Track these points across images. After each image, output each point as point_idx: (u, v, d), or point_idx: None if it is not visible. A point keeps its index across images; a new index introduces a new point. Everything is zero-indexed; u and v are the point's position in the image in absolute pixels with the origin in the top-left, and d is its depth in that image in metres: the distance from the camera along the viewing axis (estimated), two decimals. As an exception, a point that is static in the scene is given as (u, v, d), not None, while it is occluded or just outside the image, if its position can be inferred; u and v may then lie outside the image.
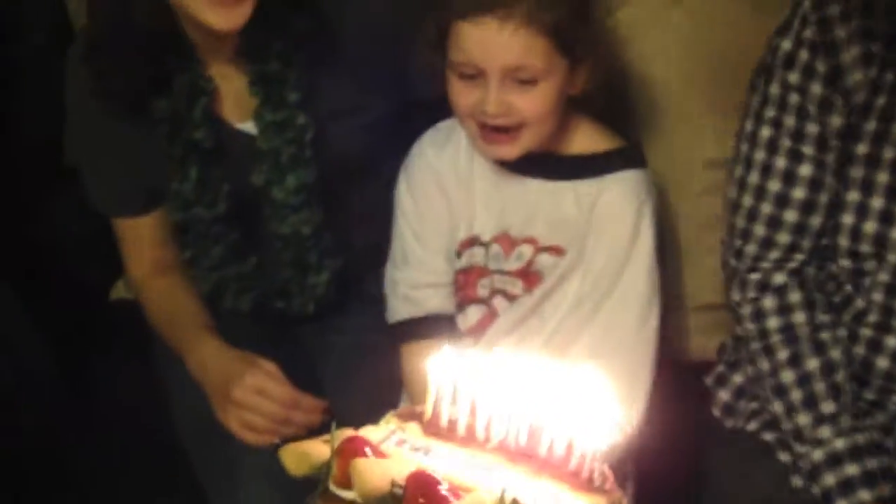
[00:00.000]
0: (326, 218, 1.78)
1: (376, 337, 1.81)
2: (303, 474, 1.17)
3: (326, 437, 1.18)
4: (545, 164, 1.70)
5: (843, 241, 1.53)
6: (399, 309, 1.79)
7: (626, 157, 1.72)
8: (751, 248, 1.58)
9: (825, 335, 1.53)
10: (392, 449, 1.21)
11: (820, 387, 1.51)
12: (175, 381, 1.80)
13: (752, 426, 1.64)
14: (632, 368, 1.65)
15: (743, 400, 1.67)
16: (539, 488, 1.17)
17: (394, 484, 1.11)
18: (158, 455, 1.87)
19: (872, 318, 1.52)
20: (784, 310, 1.56)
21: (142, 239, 1.86)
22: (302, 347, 1.91)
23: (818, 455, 1.49)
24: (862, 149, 1.48)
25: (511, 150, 1.65)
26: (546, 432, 1.21)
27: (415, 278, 1.77)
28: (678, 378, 1.78)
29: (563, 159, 1.72)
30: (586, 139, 1.73)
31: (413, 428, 1.25)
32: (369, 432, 1.24)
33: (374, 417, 1.59)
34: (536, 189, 1.72)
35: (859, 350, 1.54)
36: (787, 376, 1.54)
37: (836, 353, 1.53)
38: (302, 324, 1.90)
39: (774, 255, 1.57)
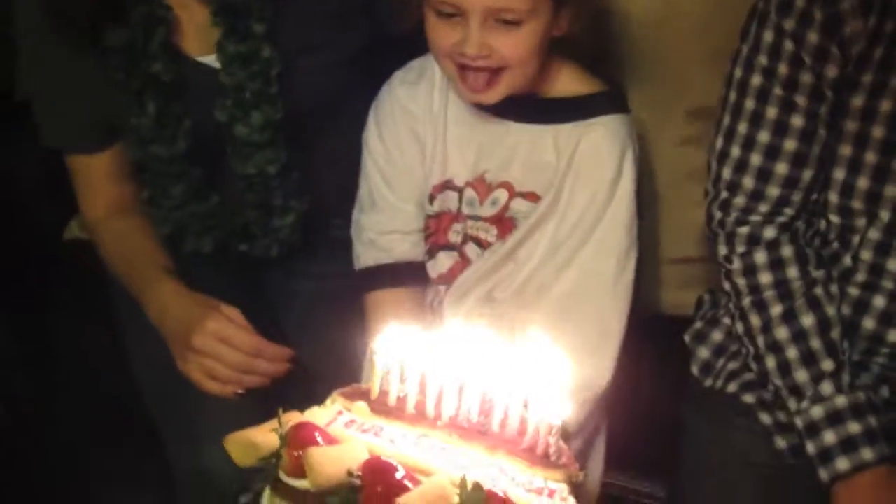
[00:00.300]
0: (292, 158, 1.70)
1: (343, 284, 1.76)
2: (251, 465, 1.13)
3: (273, 424, 1.14)
4: (525, 106, 1.63)
5: (834, 197, 1.48)
6: (365, 255, 1.73)
7: (609, 100, 1.65)
8: (739, 201, 1.53)
9: (819, 291, 1.49)
10: (341, 431, 1.18)
11: (816, 343, 1.48)
12: (133, 331, 1.74)
13: (732, 387, 1.60)
14: (605, 319, 1.61)
15: (722, 358, 1.64)
16: (494, 467, 1.15)
17: (350, 473, 1.07)
18: (116, 407, 1.80)
19: (860, 277, 1.48)
20: (776, 264, 1.51)
21: (98, 177, 1.76)
22: (265, 294, 1.86)
23: (818, 412, 1.45)
24: (857, 101, 1.42)
25: (491, 94, 1.57)
26: (498, 408, 1.18)
27: (382, 223, 1.72)
28: (651, 332, 1.76)
29: (543, 102, 1.65)
30: (568, 82, 1.66)
31: (360, 407, 1.22)
32: (315, 415, 1.20)
33: (337, 367, 1.60)
34: (515, 132, 1.65)
35: (845, 310, 1.50)
36: (782, 333, 1.50)
37: (831, 311, 1.49)
38: (265, 269, 1.84)
39: (764, 208, 1.52)
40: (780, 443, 1.53)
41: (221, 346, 1.56)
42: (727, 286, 1.56)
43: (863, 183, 1.45)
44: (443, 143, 1.68)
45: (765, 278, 1.52)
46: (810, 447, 1.46)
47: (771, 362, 1.51)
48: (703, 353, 1.66)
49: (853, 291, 1.50)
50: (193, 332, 1.56)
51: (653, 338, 1.78)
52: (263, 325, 1.62)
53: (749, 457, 1.56)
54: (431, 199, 1.71)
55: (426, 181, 1.71)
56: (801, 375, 1.48)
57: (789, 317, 1.50)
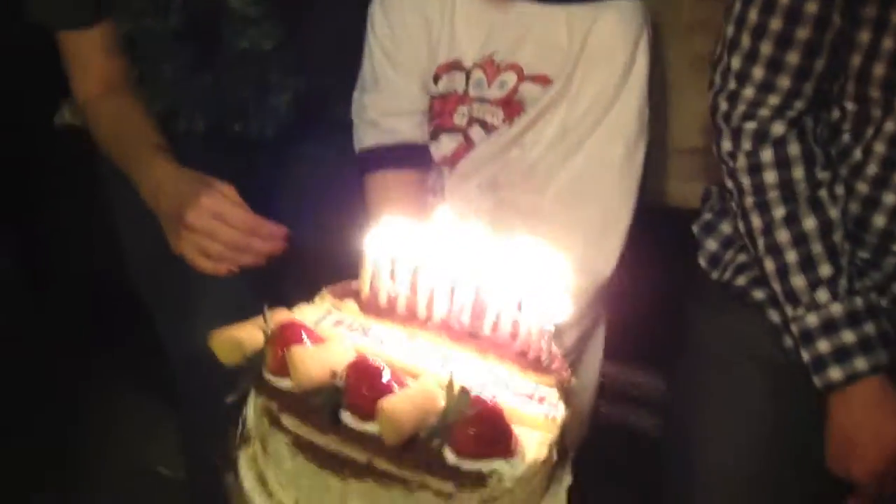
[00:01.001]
0: (289, 34, 1.65)
1: (341, 168, 1.72)
2: (236, 363, 1.10)
3: (260, 321, 1.10)
4: None
5: (849, 85, 1.41)
6: (366, 135, 1.69)
7: None
8: (748, 92, 1.46)
9: (823, 193, 1.44)
10: (329, 330, 1.15)
11: (817, 248, 1.44)
12: (124, 212, 1.70)
13: (741, 281, 1.56)
14: (612, 206, 1.59)
15: (731, 251, 1.59)
16: (484, 370, 1.12)
17: (334, 374, 1.05)
18: (109, 287, 1.79)
19: (871, 171, 1.43)
20: (783, 163, 1.46)
21: (89, 54, 1.71)
22: (260, 176, 1.80)
23: (812, 319, 1.43)
24: None
25: None
26: (491, 310, 1.15)
27: (385, 104, 1.67)
28: (656, 224, 1.71)
29: None
30: None
31: (350, 306, 1.19)
32: (304, 313, 1.17)
33: (331, 254, 1.50)
34: (526, 12, 1.60)
35: (854, 207, 1.46)
36: (783, 235, 1.45)
37: (834, 213, 1.44)
38: (260, 150, 1.79)
39: (773, 100, 1.45)
40: (789, 341, 1.49)
41: (216, 222, 1.52)
42: (729, 184, 1.51)
43: (880, 70, 1.38)
44: (450, 21, 1.63)
45: (770, 177, 1.47)
46: (805, 355, 1.44)
47: (770, 265, 1.47)
48: (712, 244, 1.62)
49: (862, 188, 1.45)
50: (187, 208, 1.52)
51: (657, 230, 1.73)
52: (257, 208, 1.57)
53: (756, 351, 1.52)
54: (437, 79, 1.66)
55: (432, 61, 1.66)
56: (798, 281, 1.44)
57: (791, 219, 1.45)
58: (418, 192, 1.67)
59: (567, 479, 1.12)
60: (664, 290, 1.75)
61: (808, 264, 1.44)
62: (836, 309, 1.42)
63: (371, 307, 1.18)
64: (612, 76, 1.57)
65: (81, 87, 1.75)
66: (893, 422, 1.39)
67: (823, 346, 1.42)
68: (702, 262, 1.62)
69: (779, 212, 1.46)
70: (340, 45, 1.70)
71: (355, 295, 1.19)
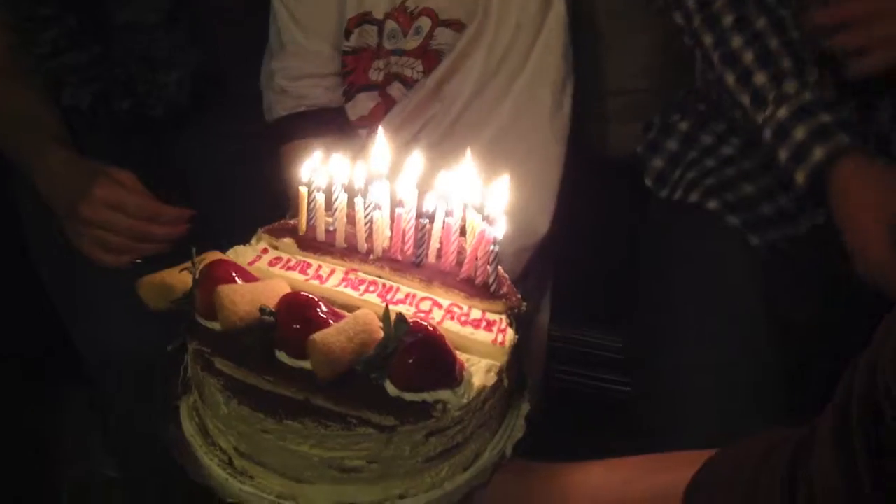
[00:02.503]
0: (177, 6, 1.57)
1: (254, 143, 1.64)
2: (164, 308, 1.05)
3: (188, 265, 1.05)
4: None
5: None
6: (277, 104, 1.62)
7: None
8: None
9: None
10: (265, 270, 1.09)
11: (774, 42, 1.34)
12: (28, 204, 1.61)
13: (693, 197, 1.47)
14: (543, 156, 1.50)
15: (679, 168, 1.51)
16: (428, 300, 1.06)
17: (262, 310, 0.99)
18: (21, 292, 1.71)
19: None
20: None
21: None
22: (171, 159, 1.72)
23: (783, 112, 1.32)
24: None
25: None
26: (433, 237, 1.09)
27: (293, 68, 1.60)
28: (596, 177, 1.63)
29: None
30: None
31: (288, 244, 1.13)
32: (238, 254, 1.12)
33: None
34: None
35: None
36: (736, 41, 1.36)
37: (784, 11, 1.36)
38: (167, 131, 1.71)
39: None
40: (754, 240, 1.41)
41: (111, 212, 1.46)
42: (678, 18, 1.43)
43: None
44: None
45: None
46: (782, 153, 1.32)
47: (730, 77, 1.38)
48: (658, 163, 1.54)
49: None
50: (81, 200, 1.46)
51: (598, 184, 1.65)
52: (169, 192, 1.52)
53: (724, 256, 1.43)
54: (348, 34, 1.58)
55: (341, 16, 1.57)
56: (761, 78, 1.35)
57: (742, 23, 1.36)
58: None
59: (525, 407, 1.06)
60: (611, 245, 1.66)
61: (767, 59, 1.35)
62: (808, 97, 1.32)
63: (309, 243, 1.12)
64: (530, 11, 1.48)
65: None
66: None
67: (800, 132, 1.31)
68: (648, 181, 1.54)
69: (728, 19, 1.38)
70: (236, 20, 1.63)
71: (293, 233, 1.13)
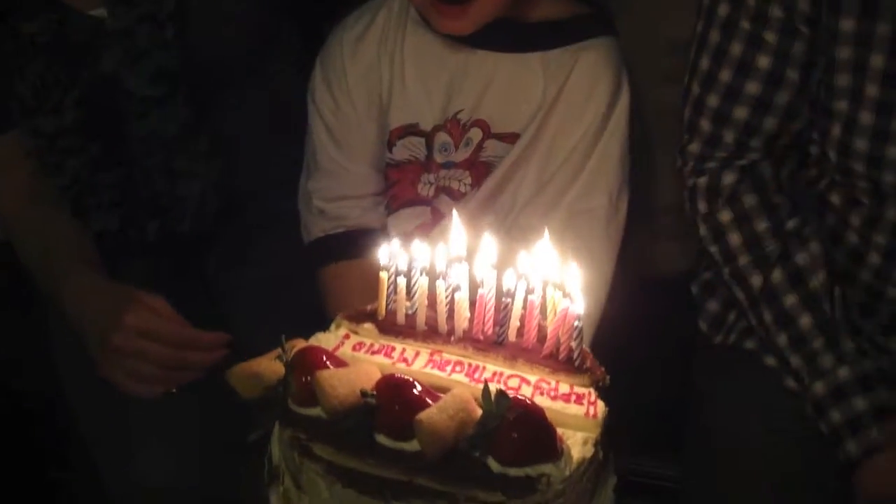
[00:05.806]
0: (197, 116, 1.53)
1: (292, 265, 1.60)
2: (257, 396, 1.05)
3: (277, 352, 1.06)
4: (505, 33, 1.47)
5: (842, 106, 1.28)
6: (314, 226, 1.56)
7: (598, 21, 1.51)
8: (694, 147, 1.38)
9: (795, 244, 1.34)
10: (350, 355, 1.11)
11: (806, 320, 1.33)
12: (60, 333, 1.56)
13: (749, 345, 1.44)
14: (597, 264, 1.43)
15: (734, 311, 1.46)
16: (515, 378, 1.08)
17: (364, 394, 1.00)
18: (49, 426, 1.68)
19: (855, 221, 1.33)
20: (743, 219, 1.35)
21: (7, 161, 1.58)
22: (205, 284, 1.68)
23: (820, 387, 1.31)
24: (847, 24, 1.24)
25: (465, 24, 1.42)
26: (514, 316, 1.11)
27: (330, 189, 1.55)
28: (647, 296, 1.58)
29: (527, 27, 1.50)
30: (549, 4, 1.51)
31: (368, 329, 1.14)
32: (320, 341, 1.13)
33: None
34: (492, 63, 1.50)
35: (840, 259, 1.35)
36: (767, 315, 1.35)
37: (814, 283, 1.33)
38: (196, 251, 1.66)
39: (720, 153, 1.36)
40: (810, 409, 1.35)
41: (143, 341, 1.38)
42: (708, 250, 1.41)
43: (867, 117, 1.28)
44: (401, 83, 1.54)
45: (735, 240, 1.37)
46: (823, 427, 1.32)
47: (769, 337, 1.37)
48: (713, 305, 1.50)
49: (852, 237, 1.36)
50: (111, 329, 1.38)
51: (649, 302, 1.60)
52: (204, 319, 1.45)
53: (773, 423, 1.40)
54: (391, 145, 1.55)
55: (382, 129, 1.54)
56: (796, 361, 1.34)
57: (770, 295, 1.35)
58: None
59: (612, 479, 1.08)
60: (664, 370, 1.62)
61: (799, 343, 1.34)
62: (845, 373, 1.31)
63: (390, 327, 1.14)
64: (594, 121, 1.47)
65: (3, 199, 1.61)
66: None
67: (836, 416, 1.31)
68: (703, 325, 1.50)
69: (756, 281, 1.36)
70: (261, 134, 1.59)
71: (372, 317, 1.15)
